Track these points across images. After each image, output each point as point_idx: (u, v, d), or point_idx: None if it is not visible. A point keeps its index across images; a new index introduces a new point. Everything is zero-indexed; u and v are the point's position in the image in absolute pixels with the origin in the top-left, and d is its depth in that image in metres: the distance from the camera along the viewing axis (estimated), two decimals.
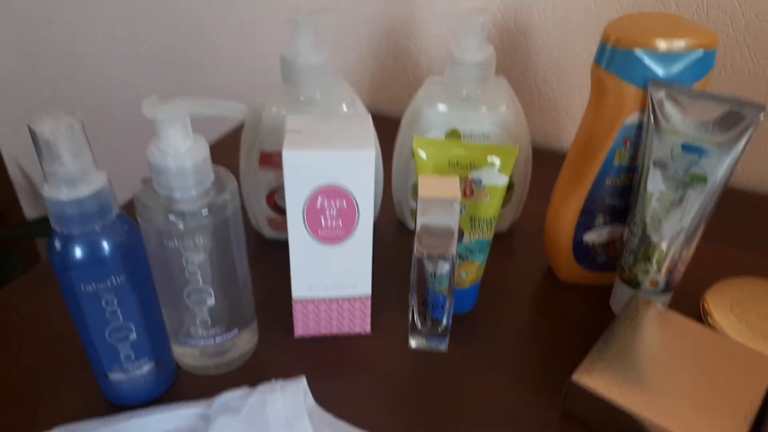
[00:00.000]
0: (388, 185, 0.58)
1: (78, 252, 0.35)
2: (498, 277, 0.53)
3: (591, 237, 0.50)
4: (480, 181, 0.44)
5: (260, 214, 0.55)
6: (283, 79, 0.50)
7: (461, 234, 0.46)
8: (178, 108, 0.36)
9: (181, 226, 0.38)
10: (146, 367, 0.41)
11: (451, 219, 0.41)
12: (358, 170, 0.40)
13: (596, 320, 0.49)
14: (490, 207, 0.45)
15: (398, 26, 0.75)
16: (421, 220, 0.41)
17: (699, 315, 0.48)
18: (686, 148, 0.41)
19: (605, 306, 0.51)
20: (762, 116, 0.39)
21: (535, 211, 0.58)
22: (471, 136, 0.52)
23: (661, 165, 0.43)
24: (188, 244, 0.38)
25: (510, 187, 0.55)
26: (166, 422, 0.40)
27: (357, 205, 0.42)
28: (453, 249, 0.42)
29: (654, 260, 0.45)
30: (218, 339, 0.43)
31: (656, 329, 0.44)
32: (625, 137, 0.45)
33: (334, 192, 0.41)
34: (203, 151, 0.37)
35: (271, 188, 0.53)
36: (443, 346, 0.46)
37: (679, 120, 0.41)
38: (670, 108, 0.41)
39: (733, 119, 0.40)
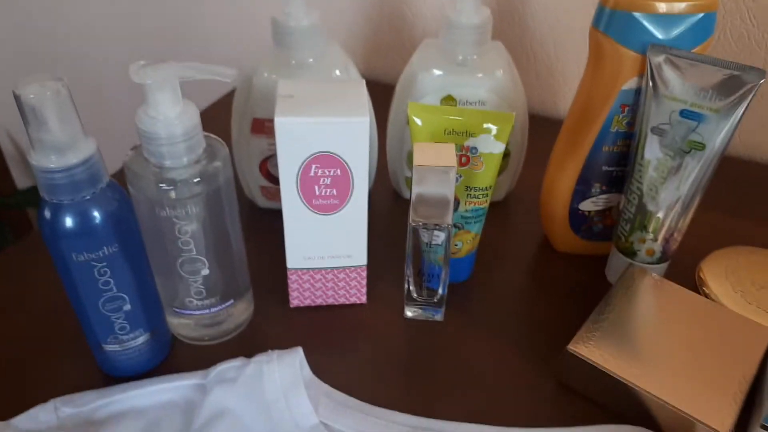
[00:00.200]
0: (382, 153, 0.57)
1: (68, 221, 0.35)
2: (494, 246, 0.53)
3: (587, 205, 0.49)
4: (476, 149, 0.44)
5: (253, 183, 0.55)
6: (274, 43, 0.49)
7: (457, 203, 0.46)
8: (167, 72, 0.35)
9: (172, 194, 0.37)
10: (141, 338, 0.41)
11: (446, 187, 0.40)
12: (352, 138, 0.39)
13: (592, 290, 0.49)
14: (486, 175, 0.45)
15: None
16: (416, 189, 0.40)
17: (695, 284, 0.48)
18: (685, 114, 0.41)
19: (601, 275, 0.51)
20: (762, 82, 0.39)
21: (531, 179, 0.58)
22: (466, 102, 0.51)
23: (659, 132, 0.42)
24: (180, 213, 0.38)
25: (506, 155, 0.55)
26: (162, 393, 0.40)
27: (351, 174, 0.41)
28: (449, 218, 0.41)
29: (650, 229, 0.45)
30: (213, 309, 0.43)
31: (652, 299, 0.44)
32: (622, 103, 0.44)
33: (327, 160, 0.40)
34: (194, 117, 0.36)
35: (264, 156, 0.52)
36: (439, 316, 0.46)
37: (678, 85, 0.41)
38: (669, 73, 0.41)
39: (732, 85, 0.39)
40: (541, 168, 0.52)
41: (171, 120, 0.36)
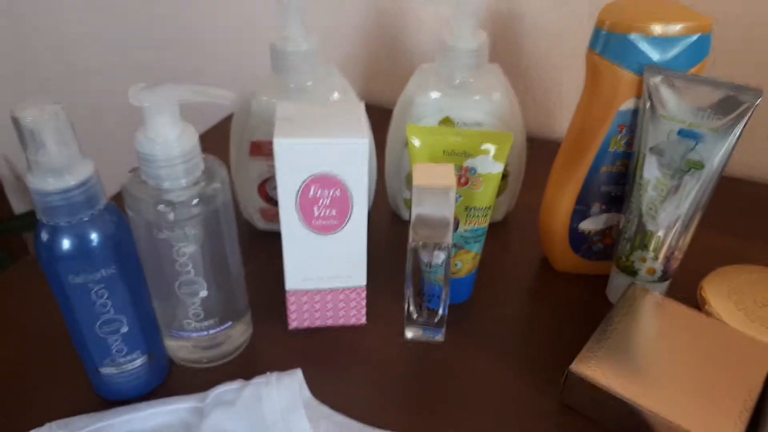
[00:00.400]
0: (381, 176, 0.58)
1: (65, 243, 0.35)
2: (494, 266, 0.53)
3: (587, 225, 0.49)
4: (475, 169, 0.44)
5: (252, 205, 0.54)
6: (272, 67, 0.49)
7: (457, 223, 0.46)
8: (166, 95, 0.35)
9: (170, 216, 0.37)
10: (138, 361, 0.40)
11: (446, 207, 0.40)
12: (351, 158, 0.40)
13: (593, 309, 0.49)
14: (485, 195, 0.45)
15: (391, 15, 0.74)
16: (416, 209, 0.40)
17: (696, 303, 0.47)
18: (683, 133, 0.41)
19: (602, 295, 0.50)
20: (759, 101, 0.39)
21: (530, 201, 0.58)
22: (464, 125, 0.51)
23: (658, 151, 0.42)
24: (179, 235, 0.38)
25: (504, 176, 0.55)
26: (158, 416, 0.39)
27: (351, 194, 0.41)
28: (448, 238, 0.41)
29: (651, 248, 0.45)
30: (211, 331, 0.42)
31: (654, 318, 0.43)
32: (620, 124, 0.44)
33: (327, 181, 0.40)
34: (192, 139, 0.36)
35: (262, 178, 0.52)
36: (439, 337, 0.46)
37: (675, 105, 0.41)
38: (665, 93, 0.41)
39: (730, 104, 0.39)
40: (539, 189, 0.52)
41: (170, 142, 0.36)
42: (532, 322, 0.48)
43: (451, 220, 0.41)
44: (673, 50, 0.41)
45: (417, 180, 0.39)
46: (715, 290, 0.47)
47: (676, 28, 0.41)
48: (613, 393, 0.38)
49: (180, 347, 0.43)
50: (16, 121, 0.32)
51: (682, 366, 0.40)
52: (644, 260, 0.46)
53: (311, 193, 0.40)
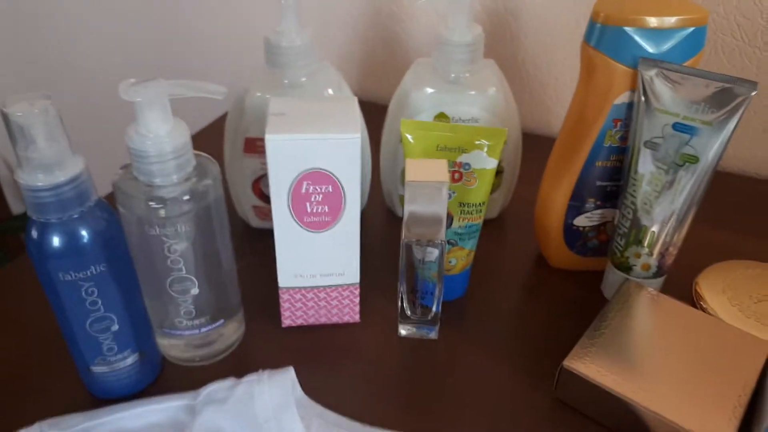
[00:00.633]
0: (376, 172, 0.57)
1: (56, 240, 0.34)
2: (489, 263, 0.53)
3: (582, 221, 0.49)
4: (469, 165, 0.44)
5: (246, 203, 0.54)
6: (266, 62, 0.49)
7: (450, 219, 0.45)
8: (157, 90, 0.35)
9: (162, 212, 0.37)
10: (130, 359, 0.40)
11: (439, 203, 0.40)
12: (343, 154, 0.39)
13: (588, 305, 0.48)
14: (479, 191, 0.44)
15: (387, 10, 0.74)
16: (408, 205, 0.40)
17: (692, 299, 0.47)
18: (677, 127, 0.41)
19: (597, 291, 0.50)
20: (754, 94, 0.39)
21: (525, 197, 0.57)
22: (459, 120, 0.51)
23: (652, 145, 0.42)
24: (170, 232, 0.37)
25: (499, 172, 0.55)
26: (150, 414, 0.39)
27: (343, 191, 0.41)
28: (442, 234, 0.41)
29: (645, 244, 0.45)
30: (203, 329, 0.42)
31: (648, 314, 0.43)
32: (615, 117, 0.44)
33: (319, 177, 0.40)
34: (184, 135, 0.36)
35: (256, 175, 0.52)
36: (433, 334, 0.46)
37: (669, 99, 0.41)
38: (660, 86, 0.41)
39: (724, 97, 0.39)
40: (535, 185, 0.52)
41: (161, 138, 0.35)
42: (526, 318, 0.48)
43: (444, 217, 0.40)
44: (668, 43, 0.41)
45: (410, 176, 0.39)
46: (710, 286, 0.46)
47: (671, 20, 0.41)
48: (607, 389, 0.38)
49: (172, 345, 0.43)
50: (5, 117, 0.32)
51: (676, 362, 0.39)
52: (639, 256, 0.45)
53: (303, 189, 0.40)
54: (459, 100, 0.51)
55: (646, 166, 0.43)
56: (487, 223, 0.56)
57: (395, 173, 0.55)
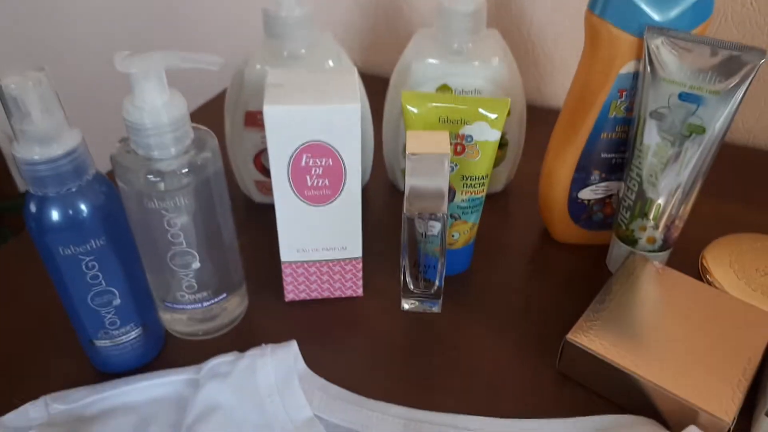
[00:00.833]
0: (378, 146, 0.57)
1: (54, 214, 0.34)
2: (492, 237, 0.52)
3: (586, 194, 0.49)
4: (471, 137, 0.43)
5: (248, 178, 0.54)
6: (265, 34, 0.48)
7: (453, 193, 0.45)
8: (152, 61, 0.34)
9: (161, 186, 0.36)
10: (133, 333, 0.40)
11: (441, 176, 0.39)
12: (343, 125, 0.39)
13: (592, 279, 0.48)
14: (482, 164, 0.44)
15: None
16: (410, 178, 0.40)
17: (697, 272, 0.47)
18: (684, 97, 0.40)
19: (601, 265, 0.50)
20: (763, 62, 0.38)
21: (530, 170, 0.57)
22: (462, 91, 0.50)
23: (658, 116, 0.41)
24: (169, 205, 0.37)
25: (504, 144, 0.54)
26: (154, 388, 0.39)
27: (344, 163, 0.40)
28: (444, 208, 0.40)
29: (651, 216, 0.44)
30: (206, 304, 0.42)
31: (653, 287, 0.43)
32: (620, 88, 0.43)
33: (319, 149, 0.39)
34: (181, 107, 0.36)
35: (257, 149, 0.52)
36: (436, 308, 0.45)
37: (676, 68, 0.40)
38: (666, 55, 0.40)
39: (732, 66, 0.38)
40: (540, 158, 0.51)
41: (157, 109, 0.35)
42: (530, 292, 0.48)
43: (446, 190, 0.40)
44: (675, 10, 0.40)
45: (411, 147, 0.39)
46: (716, 259, 0.46)
47: None
48: (610, 362, 0.38)
49: (175, 320, 0.43)
50: None
51: (681, 335, 0.39)
52: (644, 229, 0.45)
53: (303, 162, 0.40)
54: (462, 71, 0.50)
55: (651, 137, 0.42)
56: (491, 196, 0.56)
57: (397, 147, 0.54)
